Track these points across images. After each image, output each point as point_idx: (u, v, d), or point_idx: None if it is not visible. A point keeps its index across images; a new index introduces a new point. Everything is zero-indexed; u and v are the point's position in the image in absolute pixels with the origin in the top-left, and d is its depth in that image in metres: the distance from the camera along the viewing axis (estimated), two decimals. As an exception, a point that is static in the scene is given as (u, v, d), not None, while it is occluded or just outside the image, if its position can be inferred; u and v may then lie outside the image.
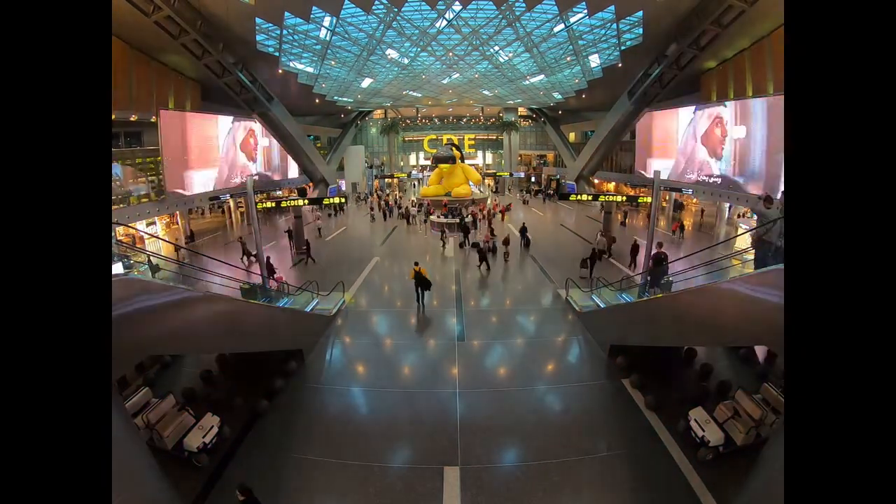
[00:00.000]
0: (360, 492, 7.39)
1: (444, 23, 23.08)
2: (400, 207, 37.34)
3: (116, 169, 23.03)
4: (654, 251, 14.08)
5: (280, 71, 26.20)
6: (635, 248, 20.63)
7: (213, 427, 8.42)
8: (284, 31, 21.77)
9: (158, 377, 11.12)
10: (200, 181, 26.73)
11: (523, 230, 24.80)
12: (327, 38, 23.58)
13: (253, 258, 20.45)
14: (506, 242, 22.06)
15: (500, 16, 22.16)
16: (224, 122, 28.60)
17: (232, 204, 33.29)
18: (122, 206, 22.62)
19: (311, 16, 20.46)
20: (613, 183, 42.97)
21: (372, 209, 35.94)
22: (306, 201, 23.92)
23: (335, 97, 37.56)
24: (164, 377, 11.19)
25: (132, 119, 23.86)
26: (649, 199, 19.02)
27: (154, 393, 9.44)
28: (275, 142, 29.91)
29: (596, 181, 36.38)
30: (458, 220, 27.91)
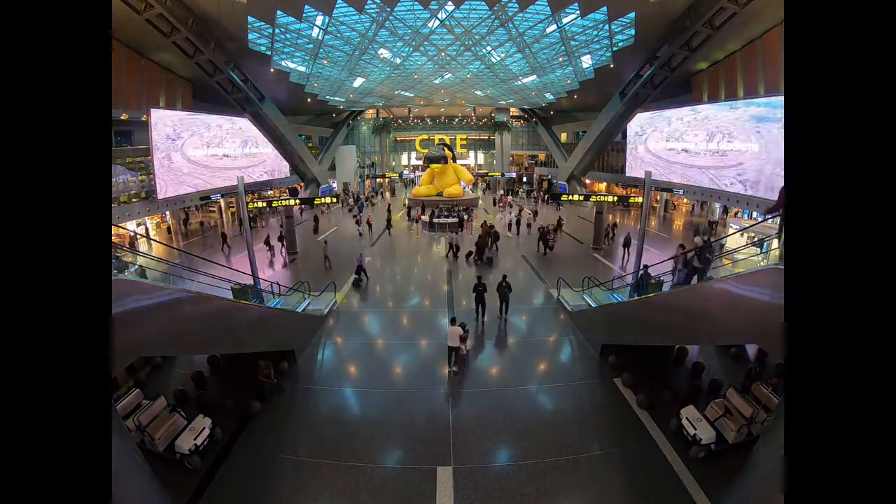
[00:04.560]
0: (353, 492, 7.36)
1: (437, 23, 23.08)
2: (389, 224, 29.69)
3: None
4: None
5: (272, 70, 26.06)
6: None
7: (204, 429, 8.36)
8: (277, 30, 21.65)
9: (149, 379, 11.02)
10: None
11: None
12: (319, 37, 23.48)
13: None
14: None
15: (493, 16, 22.19)
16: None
17: (223, 204, 33.06)
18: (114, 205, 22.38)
19: (304, 15, 20.37)
20: (605, 183, 43.17)
21: (358, 223, 28.88)
22: (297, 201, 23.78)
23: (327, 96, 37.41)
24: (154, 379, 11.09)
25: (123, 118, 23.62)
26: (640, 200, 19.15)
27: (145, 395, 9.35)
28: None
29: (587, 181, 36.58)
30: (452, 220, 27.96)
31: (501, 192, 48.15)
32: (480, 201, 38.82)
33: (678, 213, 35.73)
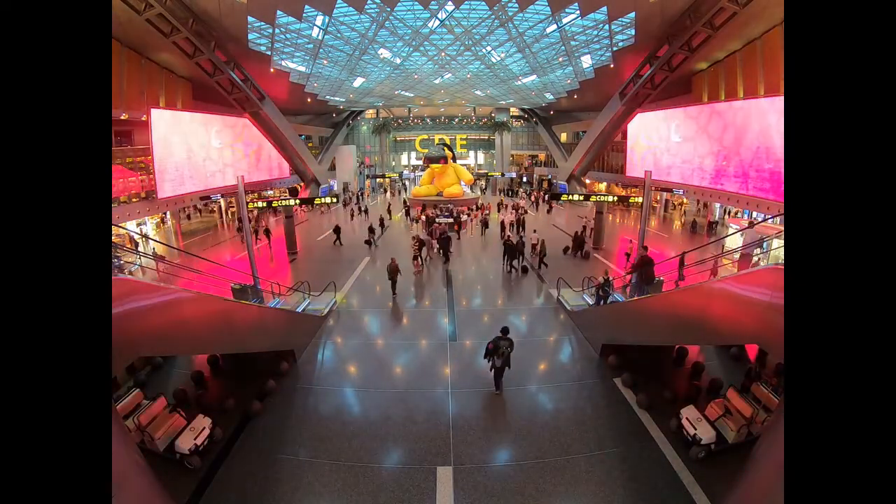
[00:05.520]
0: (353, 493, 7.36)
1: (437, 23, 23.09)
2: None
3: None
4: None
5: (272, 70, 26.06)
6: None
7: (204, 429, 8.35)
8: (277, 30, 21.65)
9: (149, 379, 11.00)
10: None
11: None
12: (320, 37, 23.49)
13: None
14: None
15: (493, 16, 22.20)
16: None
17: (223, 204, 33.06)
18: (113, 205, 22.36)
19: (304, 15, 20.37)
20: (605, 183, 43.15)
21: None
22: (298, 201, 23.83)
23: (327, 96, 37.42)
24: (155, 379, 11.08)
25: (123, 118, 23.62)
26: (640, 200, 19.14)
27: (145, 395, 9.34)
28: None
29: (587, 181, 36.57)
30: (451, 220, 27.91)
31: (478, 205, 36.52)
32: (481, 201, 38.79)
33: (678, 212, 35.71)
